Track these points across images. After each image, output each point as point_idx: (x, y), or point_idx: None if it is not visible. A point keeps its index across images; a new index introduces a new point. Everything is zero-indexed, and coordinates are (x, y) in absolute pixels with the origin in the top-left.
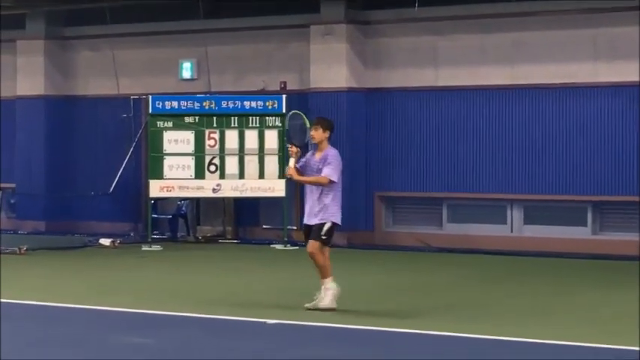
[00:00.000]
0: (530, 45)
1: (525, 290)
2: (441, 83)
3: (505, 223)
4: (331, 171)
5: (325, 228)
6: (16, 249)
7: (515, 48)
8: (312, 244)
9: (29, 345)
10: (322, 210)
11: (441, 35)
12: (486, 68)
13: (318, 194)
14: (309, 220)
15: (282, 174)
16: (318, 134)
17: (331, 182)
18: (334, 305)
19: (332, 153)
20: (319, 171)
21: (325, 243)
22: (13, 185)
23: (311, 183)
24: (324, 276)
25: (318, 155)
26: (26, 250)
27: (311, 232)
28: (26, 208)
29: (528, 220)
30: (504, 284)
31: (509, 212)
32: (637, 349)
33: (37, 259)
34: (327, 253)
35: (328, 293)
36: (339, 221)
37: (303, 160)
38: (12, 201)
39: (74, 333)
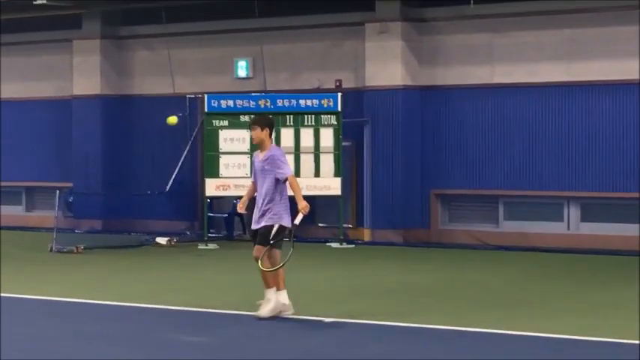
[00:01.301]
0: (585, 42)
1: (583, 288)
2: (496, 80)
3: (562, 220)
4: (288, 169)
5: (273, 232)
6: (73, 248)
7: (570, 45)
8: (257, 249)
9: (86, 342)
10: (268, 212)
11: (497, 32)
12: (542, 65)
13: (261, 198)
14: (255, 224)
15: (337, 172)
16: (256, 134)
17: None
18: (269, 315)
19: (278, 152)
20: (265, 171)
21: (276, 246)
22: (70, 184)
23: (300, 194)
24: (267, 285)
25: (262, 155)
26: (83, 249)
27: (257, 235)
28: (83, 207)
29: (585, 217)
30: (562, 282)
31: (566, 210)
32: None
33: (94, 258)
34: (278, 257)
35: (268, 305)
36: (286, 224)
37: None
38: (69, 200)
39: (131, 331)
